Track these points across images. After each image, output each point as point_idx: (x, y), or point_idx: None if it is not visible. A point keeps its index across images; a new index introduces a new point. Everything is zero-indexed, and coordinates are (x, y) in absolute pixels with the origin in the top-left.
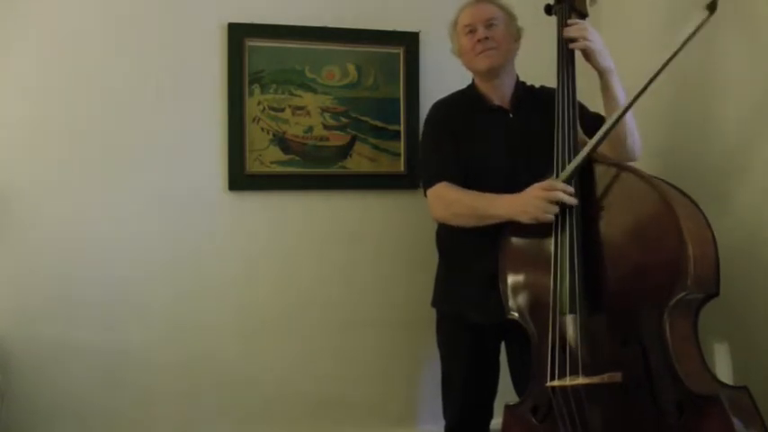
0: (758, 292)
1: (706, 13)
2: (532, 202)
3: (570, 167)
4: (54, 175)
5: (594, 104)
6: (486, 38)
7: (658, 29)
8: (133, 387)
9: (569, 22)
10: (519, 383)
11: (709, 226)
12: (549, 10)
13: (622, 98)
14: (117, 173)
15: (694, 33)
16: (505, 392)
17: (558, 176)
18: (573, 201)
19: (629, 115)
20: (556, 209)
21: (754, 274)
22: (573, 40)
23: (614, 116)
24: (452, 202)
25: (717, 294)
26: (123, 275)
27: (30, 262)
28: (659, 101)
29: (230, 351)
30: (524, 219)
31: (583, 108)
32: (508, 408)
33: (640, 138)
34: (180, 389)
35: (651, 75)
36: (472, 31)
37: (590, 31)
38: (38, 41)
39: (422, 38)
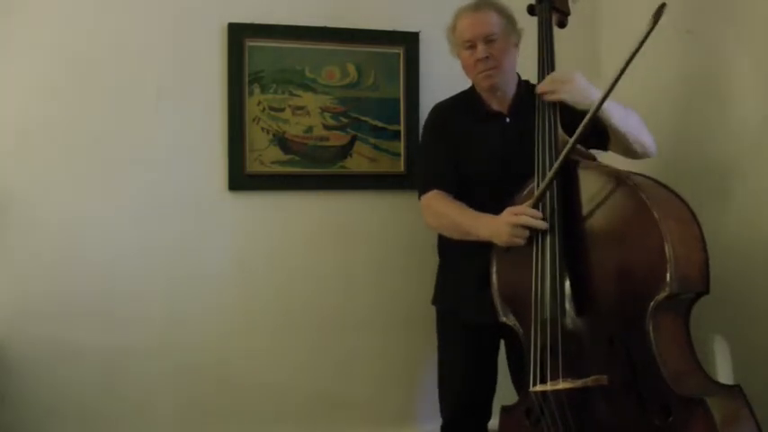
0: (758, 289)
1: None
2: (502, 227)
3: (537, 193)
4: (53, 175)
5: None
6: (487, 57)
7: (657, 29)
8: (133, 387)
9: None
10: (518, 382)
11: (697, 222)
12: (531, 11)
13: (621, 117)
14: (116, 173)
15: (643, 42)
16: (506, 393)
17: (538, 185)
18: (542, 225)
19: (632, 120)
20: (525, 233)
21: (754, 272)
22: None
23: (571, 141)
24: (440, 214)
25: (706, 292)
26: (123, 275)
27: (29, 263)
28: (663, 99)
29: (229, 351)
30: (498, 242)
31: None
32: (504, 409)
33: (650, 136)
34: (179, 389)
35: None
36: (472, 47)
37: (562, 80)
38: (37, 42)
39: (422, 38)
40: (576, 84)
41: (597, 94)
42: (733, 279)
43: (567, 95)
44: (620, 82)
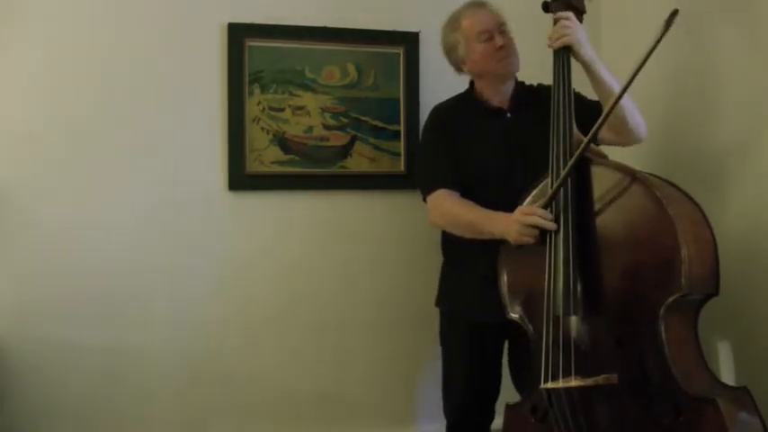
0: (760, 289)
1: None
2: (513, 226)
3: (549, 194)
4: (54, 174)
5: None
6: (505, 44)
7: (658, 29)
8: (133, 386)
9: (555, 17)
10: (519, 382)
11: (708, 225)
12: (546, 7)
13: (612, 83)
14: (117, 173)
15: (655, 46)
16: (509, 393)
17: (552, 184)
18: (551, 226)
19: (626, 99)
20: (535, 232)
21: (754, 272)
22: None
23: (586, 140)
24: (448, 213)
25: (716, 294)
26: (123, 275)
27: (30, 261)
28: (657, 96)
29: (230, 351)
30: (510, 240)
31: (581, 99)
32: (509, 407)
33: (643, 119)
34: (180, 388)
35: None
36: (489, 38)
37: (569, 26)
38: (38, 42)
39: (422, 38)
40: (580, 30)
41: (590, 50)
42: (736, 280)
43: (568, 39)
44: (602, 72)
